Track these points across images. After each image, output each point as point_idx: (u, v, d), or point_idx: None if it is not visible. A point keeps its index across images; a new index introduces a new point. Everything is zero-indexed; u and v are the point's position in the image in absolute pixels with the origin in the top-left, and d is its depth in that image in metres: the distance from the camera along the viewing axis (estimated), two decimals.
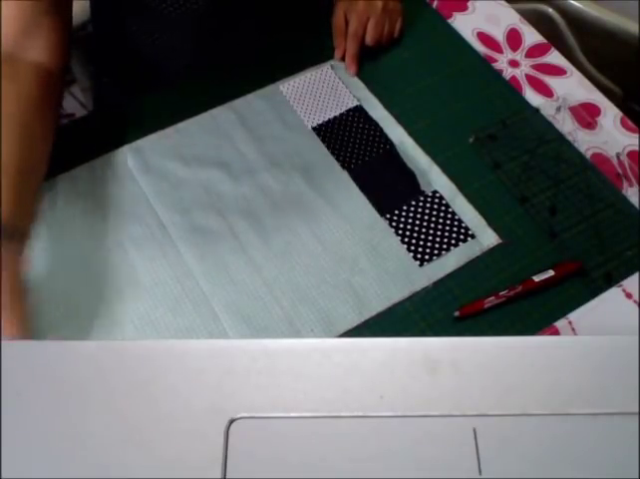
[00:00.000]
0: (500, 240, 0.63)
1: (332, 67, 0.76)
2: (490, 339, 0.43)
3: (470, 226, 0.64)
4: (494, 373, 0.41)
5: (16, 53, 0.56)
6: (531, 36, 0.80)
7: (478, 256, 0.62)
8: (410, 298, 0.60)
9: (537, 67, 0.77)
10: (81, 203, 0.65)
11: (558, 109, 0.73)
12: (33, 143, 0.55)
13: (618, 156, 0.70)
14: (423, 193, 0.66)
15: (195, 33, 0.74)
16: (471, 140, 0.71)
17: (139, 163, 0.67)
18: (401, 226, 0.64)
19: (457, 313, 0.58)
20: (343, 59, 0.76)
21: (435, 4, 0.83)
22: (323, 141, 0.70)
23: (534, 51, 0.79)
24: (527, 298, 0.60)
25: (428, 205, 0.65)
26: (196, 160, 0.68)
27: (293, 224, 0.64)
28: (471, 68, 0.77)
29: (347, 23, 0.76)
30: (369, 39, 0.75)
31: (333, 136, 0.70)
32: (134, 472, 0.37)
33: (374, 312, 0.59)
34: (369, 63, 0.77)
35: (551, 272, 0.60)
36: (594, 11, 1.11)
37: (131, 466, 0.37)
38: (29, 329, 0.50)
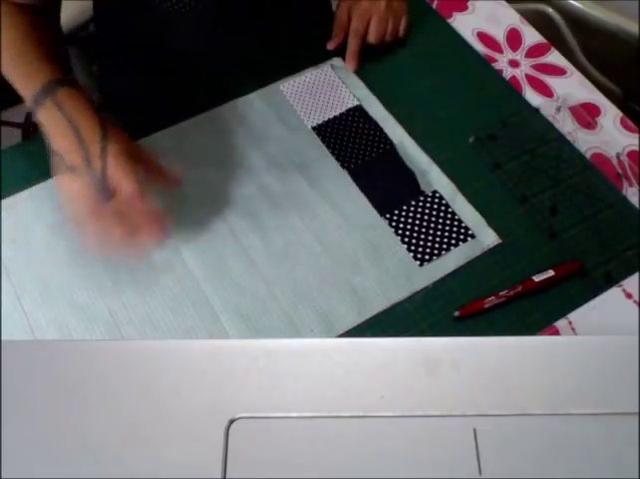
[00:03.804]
0: (500, 240, 0.63)
1: (332, 67, 0.76)
2: (490, 339, 0.43)
3: (470, 226, 0.64)
4: (494, 373, 0.41)
5: None
6: (531, 36, 0.80)
7: (478, 256, 0.62)
8: (410, 298, 0.60)
9: (537, 67, 0.77)
10: None
11: (558, 109, 0.73)
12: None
13: (618, 156, 0.70)
14: (423, 193, 0.66)
15: (196, 33, 0.74)
16: (471, 140, 0.71)
17: None
18: (401, 226, 0.64)
19: (457, 313, 0.58)
20: (335, 50, 0.76)
21: (435, 4, 0.83)
22: (323, 141, 0.70)
23: (534, 51, 0.79)
24: (527, 298, 0.60)
25: (428, 205, 0.65)
26: (196, 160, 0.68)
27: (293, 223, 0.64)
28: (471, 68, 0.77)
29: (350, 21, 0.77)
30: (371, 37, 0.75)
31: (333, 136, 0.71)
32: (134, 472, 0.37)
33: (374, 312, 0.59)
34: (369, 63, 0.77)
35: (551, 272, 0.60)
36: (594, 11, 1.11)
37: (131, 466, 0.37)
38: None
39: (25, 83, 0.57)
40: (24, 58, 0.58)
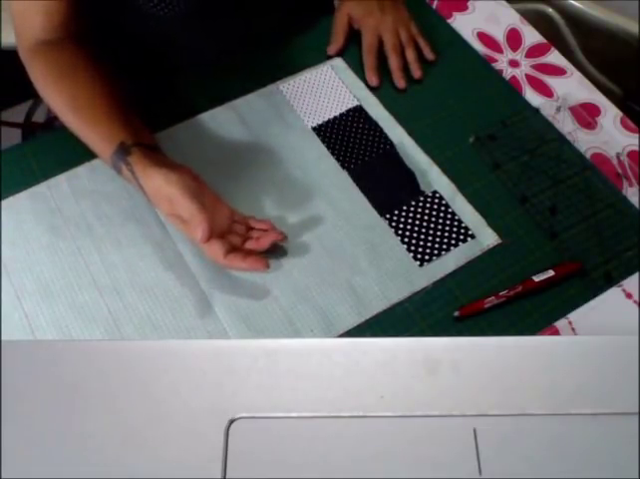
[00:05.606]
0: (500, 240, 0.63)
1: (332, 67, 0.76)
2: (490, 339, 0.43)
3: (469, 226, 0.64)
4: (494, 373, 0.41)
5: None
6: (531, 36, 0.80)
7: (478, 256, 0.62)
8: (410, 298, 0.60)
9: (537, 67, 0.77)
10: (81, 202, 0.65)
11: (558, 109, 0.73)
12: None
13: (618, 156, 0.70)
14: (423, 193, 0.66)
15: (188, 33, 0.74)
16: (471, 140, 0.71)
17: None
18: (401, 226, 0.64)
19: (457, 313, 0.58)
20: (334, 54, 0.77)
21: (435, 4, 0.83)
22: (323, 141, 0.70)
23: (534, 51, 0.79)
24: (527, 298, 0.60)
25: (428, 205, 0.65)
26: (196, 159, 0.68)
27: (293, 224, 0.64)
28: (471, 68, 0.77)
29: (349, 25, 0.77)
30: (388, 46, 0.75)
31: (333, 136, 0.71)
32: (134, 472, 0.37)
33: (374, 312, 0.59)
34: None
35: (551, 272, 0.60)
36: (594, 11, 1.11)
37: (131, 466, 0.37)
38: None
39: (97, 147, 0.60)
40: (95, 118, 0.60)
